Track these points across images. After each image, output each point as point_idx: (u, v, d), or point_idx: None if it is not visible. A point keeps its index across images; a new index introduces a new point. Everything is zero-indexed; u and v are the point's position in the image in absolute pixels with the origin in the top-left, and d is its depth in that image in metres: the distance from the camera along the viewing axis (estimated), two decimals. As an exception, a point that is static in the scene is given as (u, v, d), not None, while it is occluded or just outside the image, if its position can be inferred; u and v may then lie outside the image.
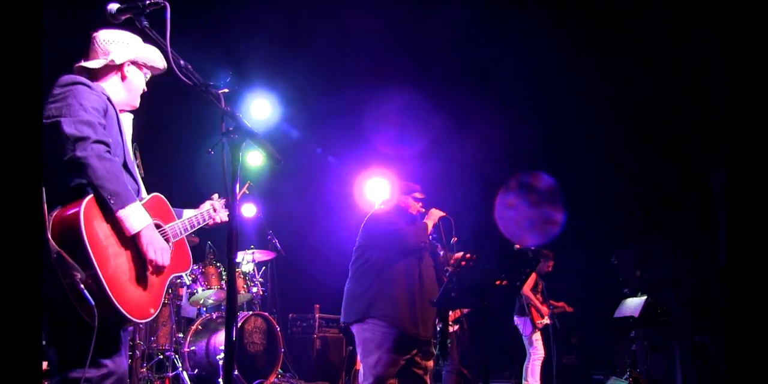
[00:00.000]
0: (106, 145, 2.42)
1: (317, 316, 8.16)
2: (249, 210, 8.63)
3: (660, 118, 8.81)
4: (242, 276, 6.86)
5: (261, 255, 7.41)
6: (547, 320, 7.68)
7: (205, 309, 6.73)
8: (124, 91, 2.81)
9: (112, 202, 2.33)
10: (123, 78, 2.80)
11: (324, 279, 9.27)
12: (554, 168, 9.72)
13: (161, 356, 6.07)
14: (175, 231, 2.75)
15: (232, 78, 2.53)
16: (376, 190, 9.59)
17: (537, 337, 7.71)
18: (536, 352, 7.69)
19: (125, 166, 2.61)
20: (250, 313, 6.59)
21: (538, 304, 7.69)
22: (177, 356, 6.10)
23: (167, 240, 2.66)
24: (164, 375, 6.01)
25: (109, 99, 2.63)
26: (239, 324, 6.29)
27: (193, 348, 6.20)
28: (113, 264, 2.33)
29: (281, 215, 9.07)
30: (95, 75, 2.74)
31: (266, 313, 6.81)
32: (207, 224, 3.09)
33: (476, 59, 9.18)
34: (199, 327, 6.36)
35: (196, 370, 6.14)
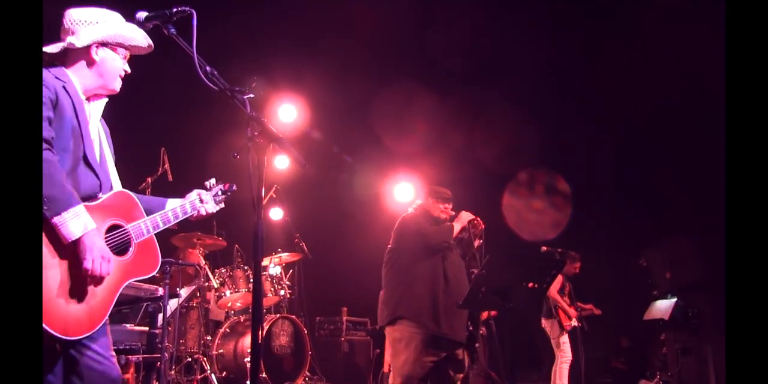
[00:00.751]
0: (47, 141, 2.25)
1: (344, 319, 8.18)
2: (276, 213, 8.69)
3: (685, 113, 8.67)
4: (269, 279, 6.90)
5: (288, 258, 7.45)
6: (575, 322, 7.61)
7: (233, 312, 6.79)
8: (94, 76, 2.56)
9: (46, 208, 2.15)
10: (91, 62, 2.55)
11: (351, 282, 9.30)
12: (579, 167, 9.63)
13: (190, 359, 6.13)
14: (140, 230, 2.51)
15: (257, 83, 2.56)
16: (403, 193, 9.62)
17: (565, 339, 7.65)
18: (564, 354, 7.62)
19: (85, 159, 2.45)
20: (278, 315, 6.63)
21: (566, 307, 7.62)
22: (205, 359, 6.16)
23: (128, 241, 2.46)
24: (193, 377, 6.07)
25: (65, 87, 2.44)
26: (266, 327, 6.33)
27: (221, 351, 6.25)
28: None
29: (308, 218, 9.11)
30: (61, 59, 2.54)
31: (293, 316, 6.85)
32: (191, 217, 2.83)
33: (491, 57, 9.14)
34: (227, 330, 6.41)
35: (224, 373, 6.19)
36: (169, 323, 5.43)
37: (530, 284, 4.36)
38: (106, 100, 2.67)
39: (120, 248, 2.44)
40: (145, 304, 4.99)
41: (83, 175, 2.43)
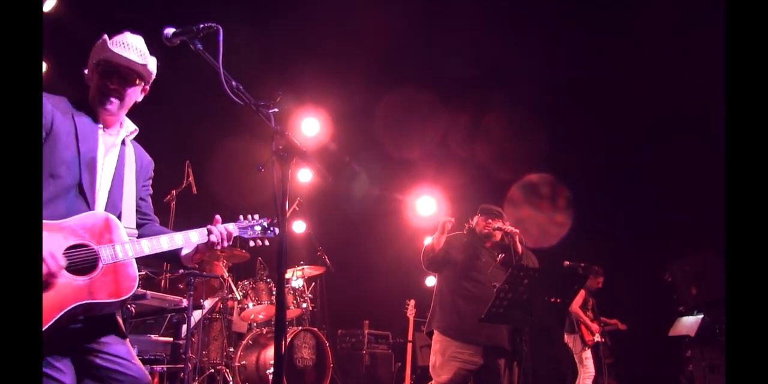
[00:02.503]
0: None
1: (366, 332, 8.18)
2: (299, 226, 8.74)
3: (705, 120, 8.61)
4: (292, 292, 6.93)
5: (311, 271, 7.48)
6: (597, 338, 7.54)
7: (255, 324, 6.82)
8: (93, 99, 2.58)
9: None
10: (89, 87, 2.61)
11: (373, 296, 9.32)
12: (602, 180, 9.55)
13: (213, 370, 6.17)
14: (112, 252, 2.38)
15: (282, 98, 2.59)
16: (425, 206, 9.62)
17: (587, 355, 7.58)
18: (586, 370, 7.56)
19: (79, 187, 2.42)
20: (300, 328, 6.65)
21: (588, 322, 7.56)
22: (228, 370, 6.20)
23: (94, 261, 2.34)
24: (216, 388, 6.10)
25: (74, 116, 2.47)
26: (289, 339, 6.35)
27: (244, 362, 6.28)
28: None
29: (331, 231, 9.15)
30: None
31: (315, 329, 6.86)
32: (200, 253, 2.71)
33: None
34: (250, 341, 6.44)
35: (246, 384, 6.22)
36: (192, 334, 5.48)
37: (552, 299, 4.35)
38: (125, 131, 2.67)
39: (82, 266, 2.33)
40: (169, 315, 5.05)
41: (70, 202, 2.40)
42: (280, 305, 2.35)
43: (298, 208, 8.23)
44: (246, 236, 2.82)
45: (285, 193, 2.35)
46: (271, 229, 2.85)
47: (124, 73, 2.56)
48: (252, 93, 2.47)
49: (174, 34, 2.44)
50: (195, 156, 6.88)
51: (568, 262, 7.20)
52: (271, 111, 2.45)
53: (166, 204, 6.50)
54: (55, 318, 2.22)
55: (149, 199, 2.84)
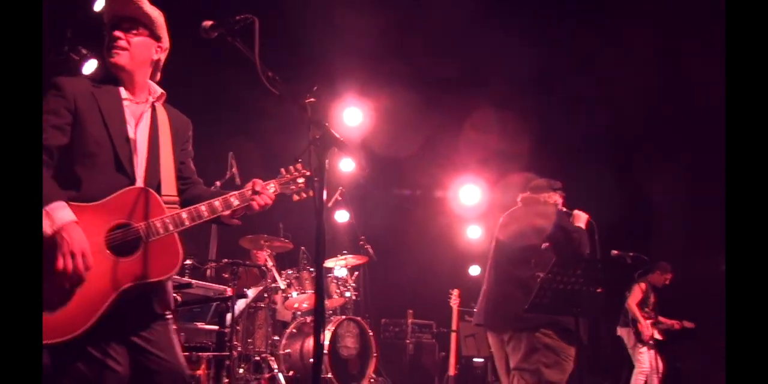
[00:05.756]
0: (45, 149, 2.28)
1: (410, 321, 8.20)
2: (342, 216, 8.78)
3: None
4: (335, 281, 6.98)
5: (354, 260, 7.52)
6: (657, 336, 7.40)
7: (299, 313, 6.90)
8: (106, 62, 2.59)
9: None
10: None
11: (417, 285, 9.32)
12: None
13: (258, 357, 6.26)
14: (154, 228, 2.38)
15: (319, 87, 2.60)
16: (468, 194, 9.57)
17: (642, 350, 7.45)
18: (640, 365, 7.45)
19: (117, 161, 2.43)
20: (343, 317, 6.70)
21: (642, 321, 7.40)
22: (273, 358, 6.28)
23: (137, 240, 2.35)
24: (261, 376, 6.19)
25: (94, 93, 2.49)
26: (332, 328, 6.41)
27: (288, 350, 6.36)
28: None
29: (374, 220, 9.17)
30: None
31: (359, 318, 6.90)
32: (247, 210, 2.67)
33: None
34: (294, 330, 6.52)
35: (291, 372, 6.30)
36: (237, 322, 5.57)
37: (598, 289, 4.26)
38: (152, 97, 2.66)
39: (126, 248, 2.33)
40: (214, 303, 5.14)
41: (111, 178, 2.42)
42: (320, 295, 2.36)
43: (340, 198, 8.26)
44: (288, 192, 2.77)
45: (323, 183, 2.35)
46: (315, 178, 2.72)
47: (125, 23, 2.56)
48: (294, 83, 2.48)
49: (211, 26, 2.46)
50: (239, 147, 6.96)
51: (616, 252, 7.06)
52: (307, 101, 2.46)
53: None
54: (108, 302, 2.24)
55: (189, 162, 2.82)
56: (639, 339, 7.38)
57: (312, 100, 2.48)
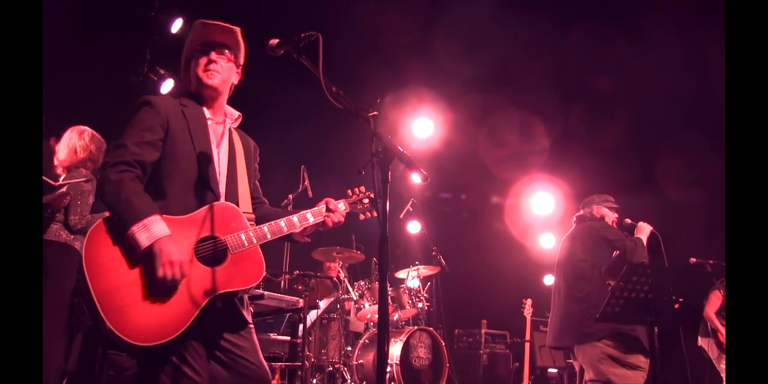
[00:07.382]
0: (129, 164, 2.41)
1: (483, 331, 8.13)
2: (414, 227, 8.80)
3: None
4: (407, 291, 6.99)
5: (426, 270, 7.52)
6: None
7: (372, 323, 6.94)
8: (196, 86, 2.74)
9: (119, 224, 2.32)
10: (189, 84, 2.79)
11: (490, 295, 9.23)
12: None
13: (331, 368, 6.33)
14: (239, 241, 2.50)
15: (382, 100, 2.63)
16: (540, 203, 9.43)
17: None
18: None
19: (202, 178, 2.55)
20: (416, 327, 6.70)
21: (721, 329, 7.09)
22: (346, 369, 6.34)
23: (223, 252, 2.46)
24: (335, 386, 6.26)
25: (184, 112, 2.62)
26: (404, 338, 6.42)
27: (361, 361, 6.40)
28: (114, 285, 2.26)
29: (445, 231, 9.15)
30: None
31: (431, 328, 6.89)
32: (319, 227, 2.80)
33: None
34: (366, 341, 6.56)
35: (364, 382, 6.33)
36: (310, 333, 5.65)
37: (674, 297, 4.13)
38: (229, 119, 2.81)
39: (213, 259, 2.45)
40: (287, 314, 5.24)
41: (198, 194, 2.53)
42: (383, 307, 2.37)
43: (411, 209, 8.29)
44: (356, 211, 2.92)
45: (386, 195, 2.38)
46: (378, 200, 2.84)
47: (219, 47, 2.71)
48: (360, 97, 2.52)
49: (278, 44, 2.53)
50: (310, 161, 7.09)
51: (694, 260, 6.82)
52: (370, 114, 2.49)
53: (284, 208, 6.74)
54: (200, 308, 2.35)
55: (257, 183, 2.95)
56: (722, 350, 7.06)
57: (374, 113, 2.52)
